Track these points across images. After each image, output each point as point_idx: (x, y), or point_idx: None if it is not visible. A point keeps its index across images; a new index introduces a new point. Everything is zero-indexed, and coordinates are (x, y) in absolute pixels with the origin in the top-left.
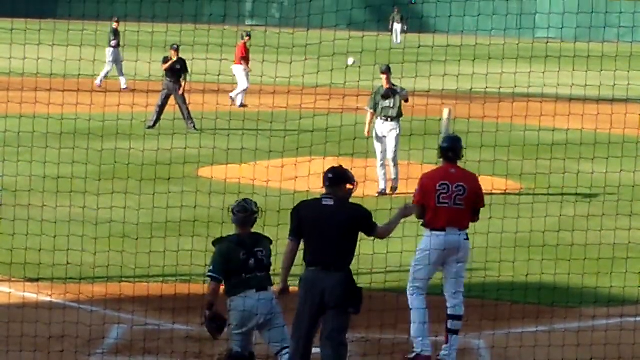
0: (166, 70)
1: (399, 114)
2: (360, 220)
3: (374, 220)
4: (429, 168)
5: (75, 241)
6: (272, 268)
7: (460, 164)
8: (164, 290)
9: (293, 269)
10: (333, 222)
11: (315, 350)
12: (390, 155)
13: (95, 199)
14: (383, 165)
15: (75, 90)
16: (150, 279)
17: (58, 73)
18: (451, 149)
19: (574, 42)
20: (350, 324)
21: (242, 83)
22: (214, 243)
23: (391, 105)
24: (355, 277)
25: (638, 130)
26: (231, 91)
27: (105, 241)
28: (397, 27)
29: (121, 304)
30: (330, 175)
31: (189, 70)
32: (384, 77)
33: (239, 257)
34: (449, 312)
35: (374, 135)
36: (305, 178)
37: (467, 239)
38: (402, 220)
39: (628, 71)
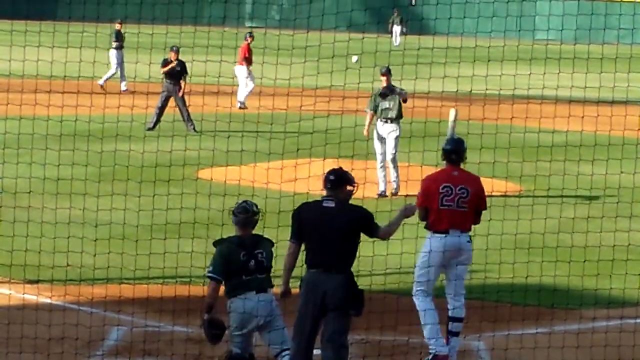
0: (166, 72)
1: (399, 116)
2: (362, 222)
3: (375, 221)
4: (428, 170)
5: (75, 243)
6: (272, 270)
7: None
8: (163, 292)
9: (294, 271)
10: (334, 224)
11: (316, 352)
12: (389, 156)
13: (95, 201)
14: (383, 167)
15: (75, 92)
16: (150, 281)
17: (58, 75)
18: (454, 151)
19: (574, 44)
20: (351, 325)
21: (244, 84)
22: (214, 244)
23: (391, 107)
24: (355, 279)
25: (638, 131)
26: (234, 93)
27: (105, 243)
28: (397, 29)
29: (121, 306)
30: (331, 177)
31: (189, 72)
32: (384, 78)
33: (239, 259)
34: (450, 314)
35: (374, 136)
36: (305, 180)
37: (470, 241)
38: (403, 222)
39: (628, 73)
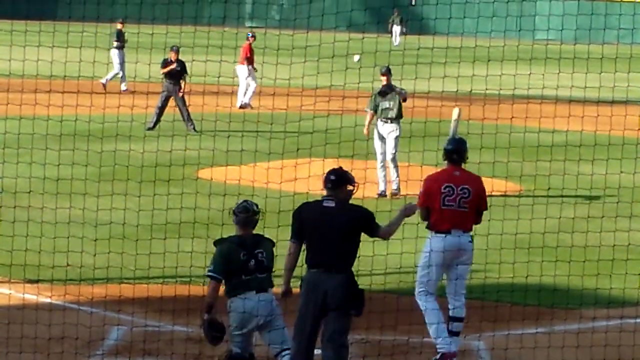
0: (166, 73)
1: (399, 115)
2: (362, 222)
3: (375, 221)
4: (428, 170)
5: (75, 243)
6: (273, 270)
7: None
8: (163, 291)
9: (295, 271)
10: (334, 223)
11: (317, 352)
12: (389, 156)
13: (95, 201)
14: (383, 167)
15: (75, 92)
16: (150, 281)
17: (58, 75)
18: (456, 151)
19: (574, 44)
20: (351, 325)
21: (244, 84)
22: (214, 243)
23: (391, 107)
24: (355, 279)
25: (638, 131)
26: (234, 93)
27: (105, 243)
28: (397, 28)
29: (121, 306)
30: (332, 177)
31: (189, 72)
32: (384, 78)
33: (239, 258)
34: (451, 314)
35: (374, 136)
36: (305, 180)
37: (471, 241)
38: (403, 221)
39: (628, 73)
